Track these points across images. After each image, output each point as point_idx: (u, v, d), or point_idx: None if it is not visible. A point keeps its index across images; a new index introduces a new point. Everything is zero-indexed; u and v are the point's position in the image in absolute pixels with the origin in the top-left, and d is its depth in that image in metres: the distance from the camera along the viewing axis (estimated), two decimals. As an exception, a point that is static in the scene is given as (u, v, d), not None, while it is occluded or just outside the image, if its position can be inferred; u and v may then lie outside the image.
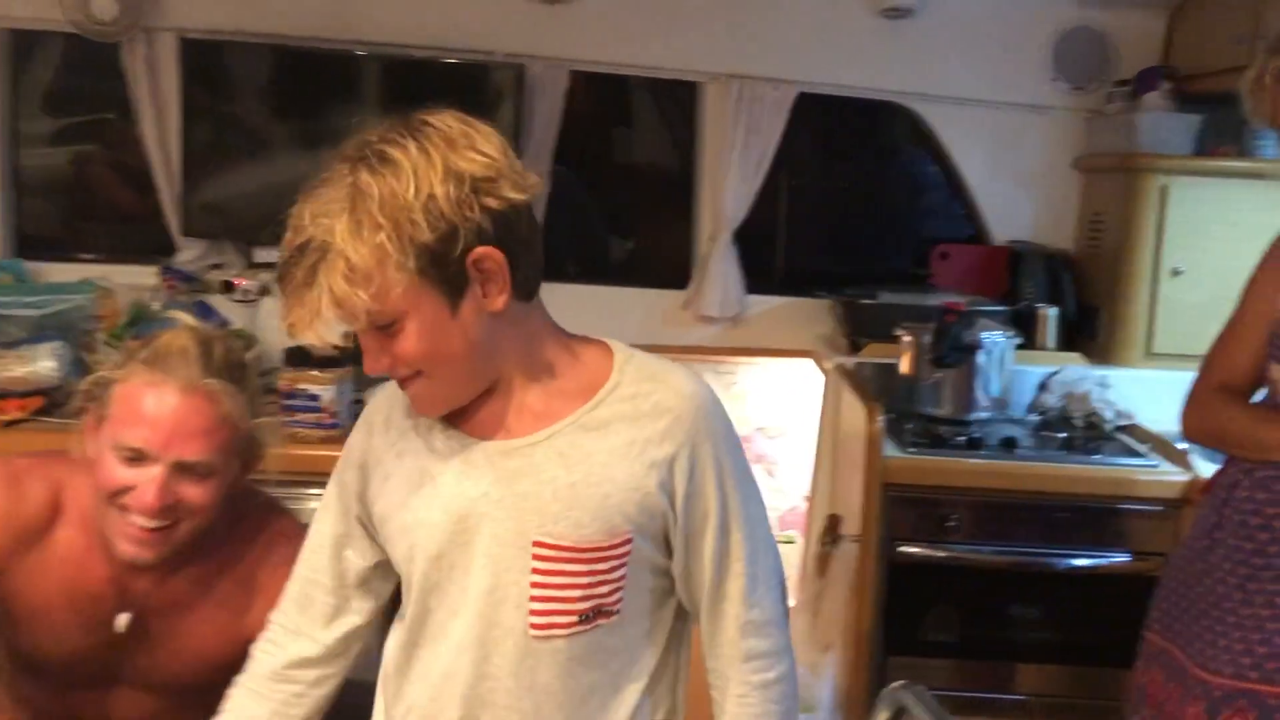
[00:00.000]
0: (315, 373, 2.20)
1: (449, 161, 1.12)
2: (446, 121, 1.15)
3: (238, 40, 2.77)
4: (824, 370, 2.88)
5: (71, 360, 2.44)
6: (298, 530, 1.51)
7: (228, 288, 2.79)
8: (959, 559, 2.36)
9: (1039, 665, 2.42)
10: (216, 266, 2.88)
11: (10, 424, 2.26)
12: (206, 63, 2.78)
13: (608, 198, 3.27)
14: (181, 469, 1.39)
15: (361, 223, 1.09)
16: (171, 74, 2.77)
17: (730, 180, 2.90)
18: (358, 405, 2.32)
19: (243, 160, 2.87)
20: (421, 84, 2.78)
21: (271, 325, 2.77)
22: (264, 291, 2.80)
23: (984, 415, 2.53)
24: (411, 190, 1.10)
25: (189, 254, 2.85)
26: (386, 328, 1.15)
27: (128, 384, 1.40)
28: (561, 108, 2.89)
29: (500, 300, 1.16)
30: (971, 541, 2.36)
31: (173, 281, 2.66)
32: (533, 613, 1.20)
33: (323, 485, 2.16)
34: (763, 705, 1.29)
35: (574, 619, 1.21)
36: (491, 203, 1.13)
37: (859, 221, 3.42)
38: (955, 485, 2.35)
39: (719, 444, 1.23)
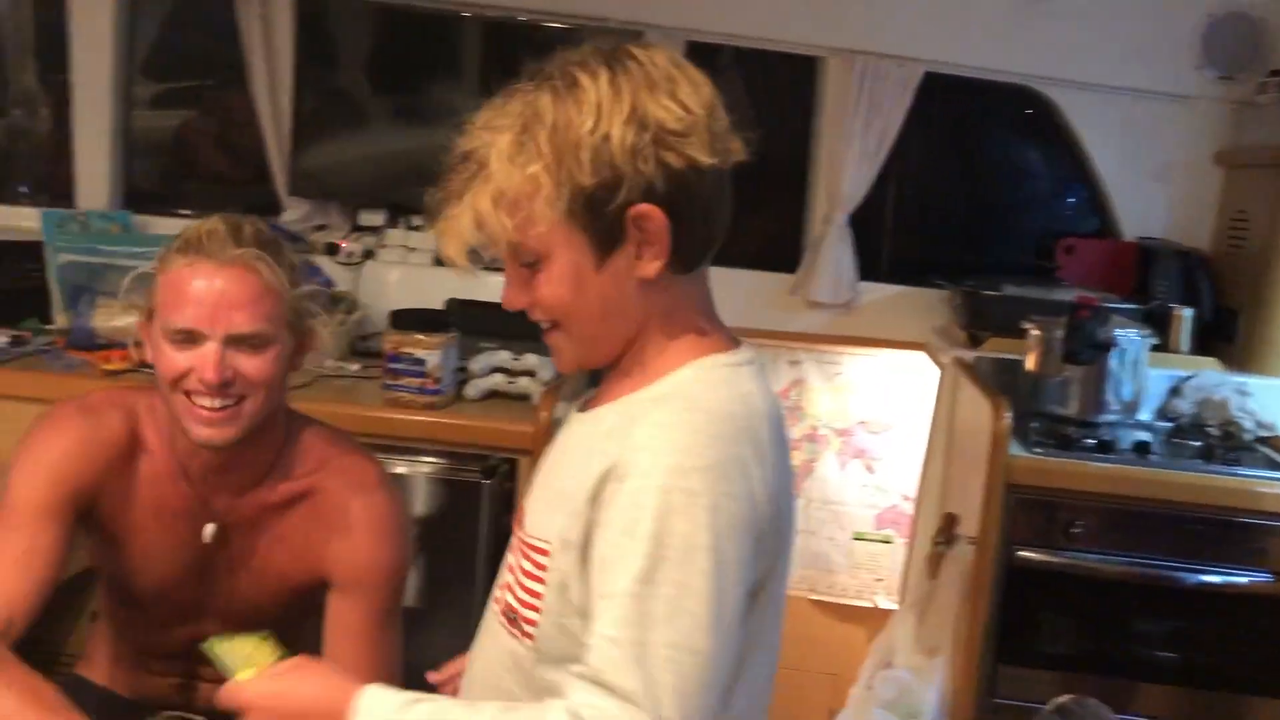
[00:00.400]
0: (420, 336, 2.14)
1: (639, 103, 1.02)
2: (655, 59, 1.05)
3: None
4: (940, 363, 2.76)
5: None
6: (384, 477, 1.57)
7: (332, 250, 2.77)
8: (1081, 567, 2.23)
9: (1163, 686, 2.28)
10: (321, 228, 2.85)
11: (114, 373, 2.25)
12: (316, 25, 2.76)
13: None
14: (234, 341, 1.40)
15: (523, 146, 1.02)
16: (286, 33, 2.74)
17: (848, 160, 2.78)
18: (462, 372, 2.26)
19: (346, 128, 2.87)
20: (522, 51, 2.71)
21: (374, 289, 2.74)
22: (368, 255, 2.78)
23: (1113, 418, 2.39)
24: (589, 125, 1.01)
25: (294, 214, 2.82)
26: (531, 264, 1.07)
27: (167, 273, 1.42)
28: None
29: (653, 266, 1.05)
30: (1096, 550, 2.23)
31: (277, 242, 2.62)
32: (500, 584, 1.17)
33: (424, 450, 2.14)
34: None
35: (501, 607, 1.14)
36: (671, 158, 1.02)
37: (974, 209, 3.28)
38: (1082, 489, 2.22)
39: (651, 492, 0.98)
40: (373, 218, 2.83)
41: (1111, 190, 2.90)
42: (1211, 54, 2.77)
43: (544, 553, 1.08)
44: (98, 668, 1.70)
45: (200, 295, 1.39)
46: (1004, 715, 2.28)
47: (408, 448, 2.17)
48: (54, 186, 3.05)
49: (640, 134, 1.01)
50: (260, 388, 1.44)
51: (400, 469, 2.16)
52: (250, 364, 1.42)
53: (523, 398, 2.27)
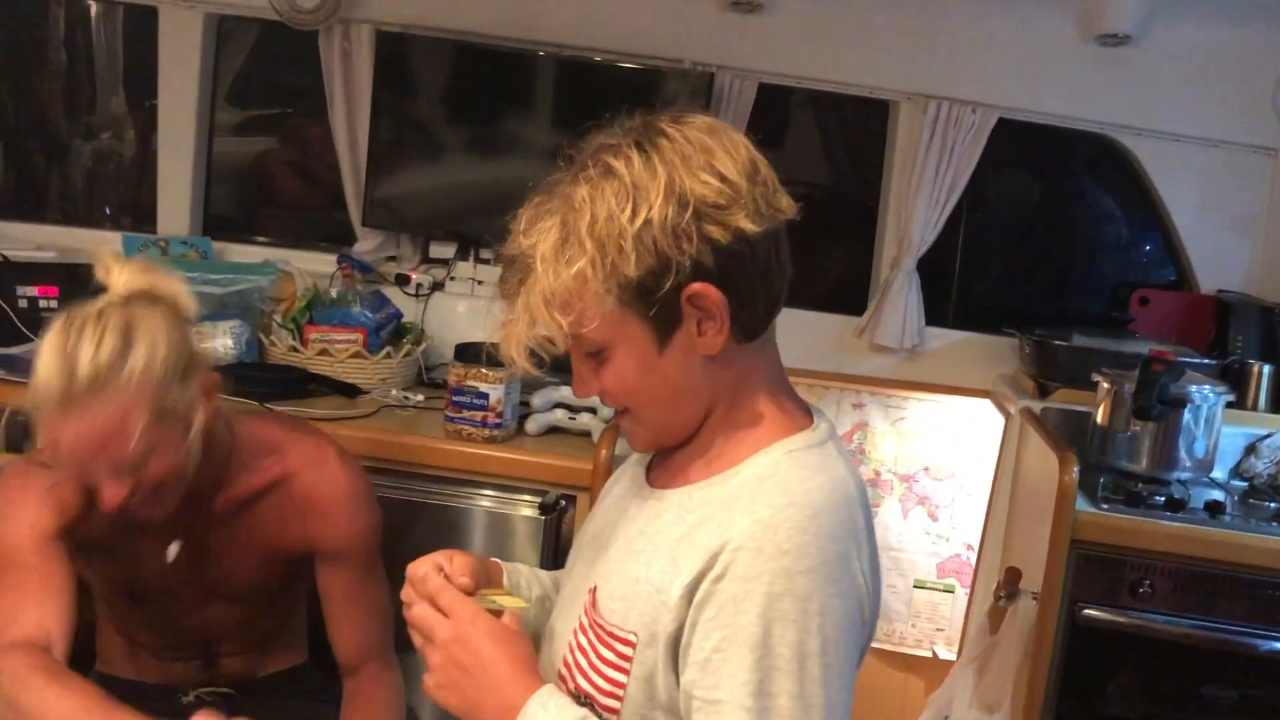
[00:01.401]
0: (484, 370, 2.16)
1: (675, 181, 1.00)
2: (687, 132, 1.03)
3: (428, 35, 2.79)
4: (1006, 412, 2.71)
5: (248, 340, 2.46)
6: (340, 452, 1.70)
7: (402, 280, 2.80)
8: (1149, 628, 2.17)
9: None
10: (392, 258, 2.90)
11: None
12: (395, 57, 2.81)
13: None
14: (118, 467, 1.39)
15: (567, 244, 1.01)
16: (364, 65, 2.80)
17: (918, 205, 2.76)
18: (524, 406, 2.28)
19: (421, 159, 2.90)
20: (596, 89, 2.75)
21: (442, 320, 2.77)
22: (436, 286, 2.81)
23: (1185, 475, 2.33)
24: (627, 213, 0.99)
25: (367, 244, 2.86)
26: (595, 354, 1.07)
27: (41, 428, 1.41)
28: (746, 122, 2.81)
29: (716, 342, 1.04)
30: (1164, 611, 2.17)
31: (349, 270, 2.67)
32: (564, 661, 1.13)
33: (483, 484, 2.16)
34: None
35: (568, 688, 1.11)
36: (716, 233, 1.01)
37: (1046, 257, 3.23)
38: (1151, 549, 2.16)
39: (758, 598, 0.97)
40: (443, 250, 2.86)
41: (1188, 241, 2.84)
42: (1294, 105, 2.71)
43: (629, 644, 1.06)
44: (117, 663, 1.80)
45: (68, 438, 1.37)
46: (1063, 776, 2.22)
47: (467, 480, 2.18)
48: (137, 211, 3.14)
49: (680, 213, 0.99)
50: (168, 477, 1.45)
51: (459, 502, 2.17)
52: (150, 470, 1.42)
53: (583, 434, 2.28)
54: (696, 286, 1.02)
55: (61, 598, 1.47)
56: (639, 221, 0.99)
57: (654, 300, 1.02)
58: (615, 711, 1.06)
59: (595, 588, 1.11)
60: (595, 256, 1.00)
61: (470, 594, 1.12)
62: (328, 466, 1.67)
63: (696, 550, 1.02)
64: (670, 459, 1.15)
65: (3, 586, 1.46)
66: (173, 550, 1.59)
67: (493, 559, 1.27)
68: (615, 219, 0.99)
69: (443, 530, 2.19)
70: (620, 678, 1.06)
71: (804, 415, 1.12)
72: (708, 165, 1.01)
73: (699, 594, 1.00)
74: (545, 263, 1.01)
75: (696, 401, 1.09)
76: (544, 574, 1.34)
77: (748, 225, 1.02)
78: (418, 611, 1.10)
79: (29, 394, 1.40)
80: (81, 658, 1.70)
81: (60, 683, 1.35)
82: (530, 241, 1.03)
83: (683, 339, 1.05)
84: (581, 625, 1.11)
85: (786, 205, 1.07)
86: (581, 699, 1.09)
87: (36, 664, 1.38)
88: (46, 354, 1.39)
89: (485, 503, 2.18)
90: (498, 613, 1.11)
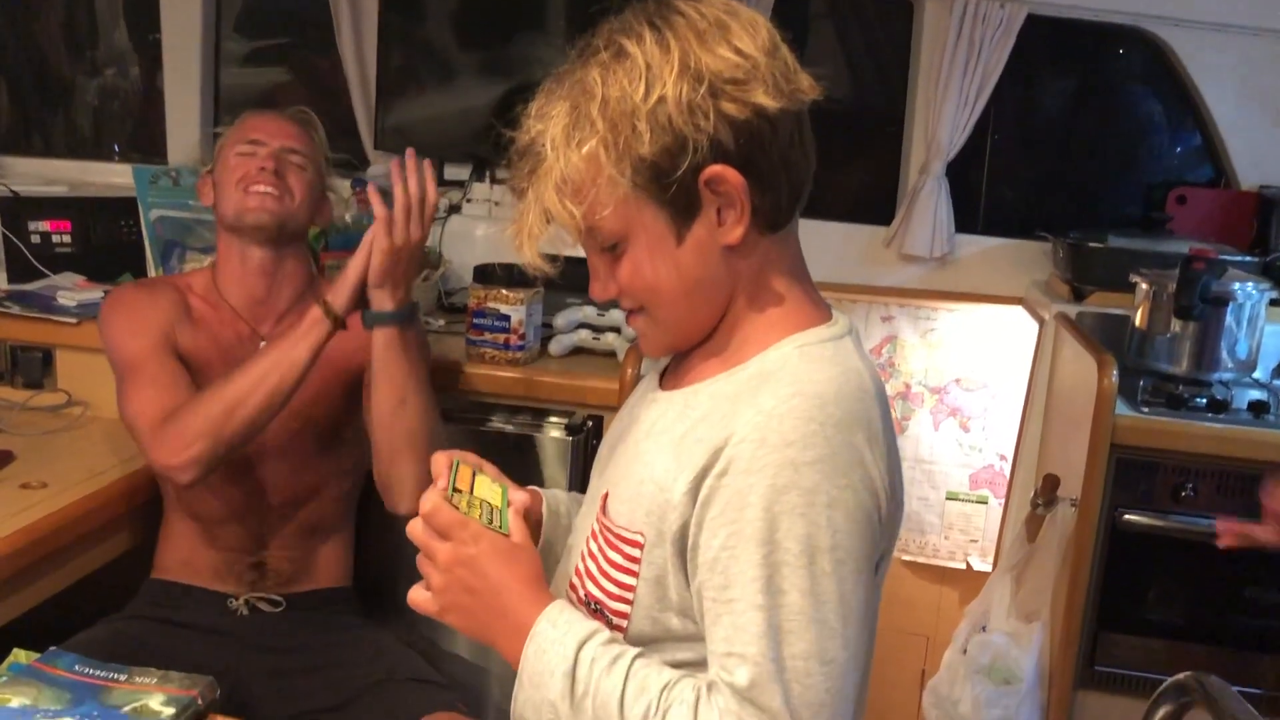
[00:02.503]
0: (505, 292, 2.12)
1: (689, 56, 0.95)
2: (701, 8, 0.98)
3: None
4: (1040, 319, 2.65)
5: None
6: None
7: (418, 204, 2.75)
8: (1191, 532, 2.12)
9: (1274, 656, 2.17)
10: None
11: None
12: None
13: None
14: (286, 152, 1.86)
15: (577, 126, 0.97)
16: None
17: (946, 108, 2.67)
18: (548, 328, 2.24)
19: (431, 84, 2.85)
20: (608, 6, 2.65)
21: (460, 244, 2.72)
22: (453, 209, 2.75)
23: (1227, 376, 2.27)
24: (640, 91, 0.94)
25: (381, 168, 2.81)
26: (611, 249, 1.02)
27: (236, 124, 1.91)
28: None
29: (737, 231, 0.99)
30: (1207, 514, 2.12)
31: (364, 195, 2.62)
32: (575, 570, 1.10)
33: (508, 407, 2.13)
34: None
35: (578, 596, 1.08)
36: (732, 109, 0.95)
37: (1079, 158, 3.13)
38: (1193, 451, 2.11)
39: (762, 490, 0.93)
40: (458, 172, 2.81)
41: (1228, 136, 2.74)
42: (1341, -13, 2.59)
43: (637, 545, 1.03)
44: (174, 569, 1.89)
45: (262, 121, 1.89)
46: (1104, 683, 2.20)
47: (492, 404, 2.15)
48: (147, 145, 3.10)
49: (695, 88, 0.94)
50: (298, 194, 1.86)
51: (486, 426, 2.14)
52: (294, 174, 1.86)
53: (608, 354, 2.24)
54: (715, 169, 0.97)
55: (186, 382, 1.76)
56: (653, 98, 0.94)
57: (670, 182, 0.97)
58: (626, 616, 1.04)
59: (606, 493, 1.08)
60: (607, 136, 0.95)
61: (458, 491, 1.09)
62: None
63: (700, 445, 0.99)
64: (682, 361, 1.11)
65: (140, 383, 1.75)
66: (263, 347, 1.79)
67: (531, 487, 1.23)
68: (628, 97, 0.95)
69: (469, 455, 2.16)
70: (630, 580, 1.03)
71: (821, 310, 1.07)
72: (724, 40, 0.96)
73: (703, 491, 0.97)
74: (555, 147, 0.97)
75: (715, 296, 1.04)
76: (583, 497, 1.29)
77: (767, 101, 0.96)
78: (414, 530, 1.06)
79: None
80: (142, 561, 1.89)
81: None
82: (540, 127, 0.99)
83: (702, 228, 1.00)
84: (593, 532, 1.09)
85: (808, 85, 1.01)
86: (592, 605, 1.06)
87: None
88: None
89: (511, 426, 2.15)
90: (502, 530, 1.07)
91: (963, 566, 2.98)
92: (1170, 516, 2.13)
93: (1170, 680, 1.12)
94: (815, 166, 1.05)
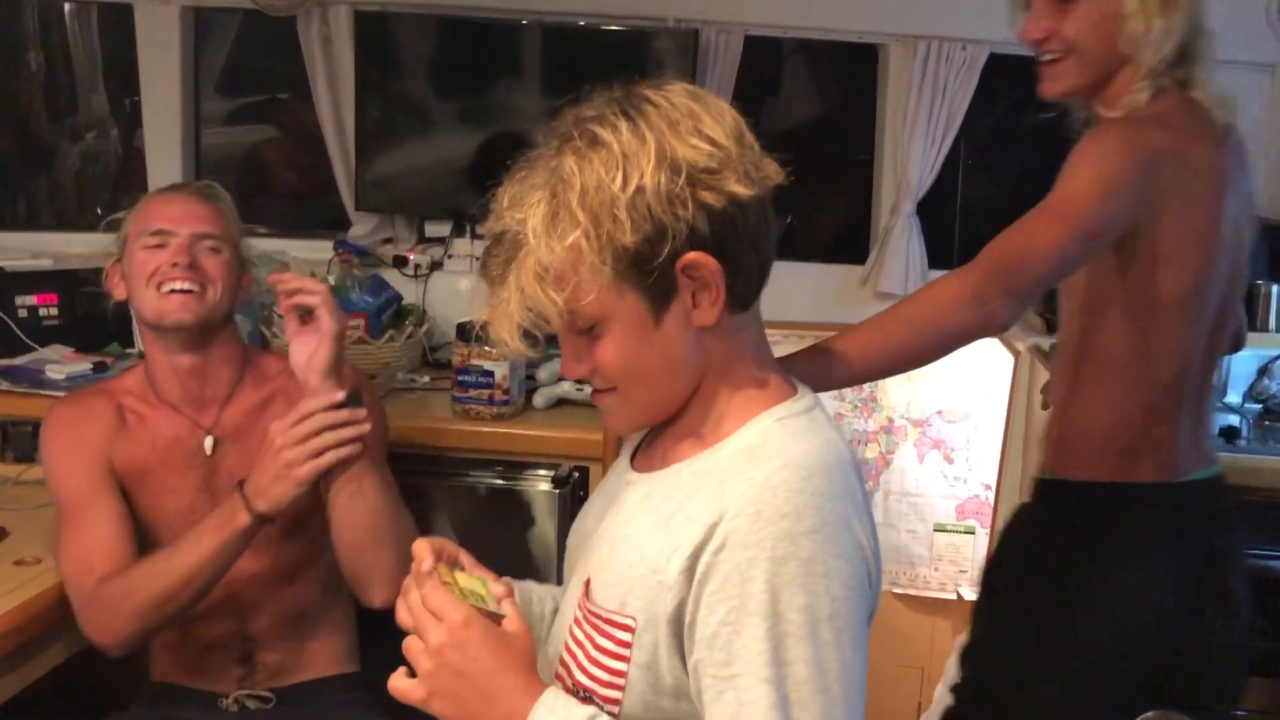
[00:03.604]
0: (488, 348, 2.15)
1: (665, 146, 0.97)
2: (671, 98, 1.00)
3: (407, 12, 2.76)
4: (1015, 351, 2.69)
5: (249, 333, 2.46)
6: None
7: (400, 262, 2.79)
8: (1169, 559, 2.16)
9: (1259, 678, 2.21)
10: (388, 241, 2.88)
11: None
12: (376, 37, 2.78)
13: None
14: (197, 239, 1.72)
15: (558, 216, 0.98)
16: (345, 47, 2.77)
17: (914, 147, 2.73)
18: (531, 382, 2.27)
19: (411, 137, 2.88)
20: (584, 54, 2.71)
21: (444, 300, 2.76)
22: (435, 266, 2.79)
23: (1199, 402, 2.31)
24: (618, 181, 0.96)
25: (362, 228, 2.85)
26: (586, 331, 1.03)
27: (136, 209, 1.77)
28: (735, 75, 2.78)
29: (712, 313, 1.02)
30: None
31: (346, 255, 2.66)
32: (561, 660, 1.10)
33: (495, 462, 2.16)
34: None
35: (566, 685, 1.08)
36: (710, 198, 0.98)
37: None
38: (1167, 478, 2.15)
39: (763, 564, 0.95)
40: (439, 229, 2.85)
41: (1190, 165, 2.80)
42: (1291, 19, 2.66)
43: (628, 629, 1.03)
44: (168, 669, 1.84)
45: (165, 207, 1.75)
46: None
47: (479, 460, 2.18)
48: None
49: (674, 179, 0.97)
50: (218, 282, 1.73)
51: (473, 481, 2.17)
52: (210, 261, 1.73)
53: (591, 404, 2.27)
54: (693, 256, 0.99)
55: (127, 524, 1.71)
56: (631, 189, 0.96)
57: (651, 269, 0.99)
58: (618, 702, 1.03)
59: (589, 579, 1.08)
60: (589, 227, 0.97)
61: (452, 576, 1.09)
62: None
63: (692, 523, 1.00)
64: (655, 442, 1.13)
65: (76, 532, 1.68)
66: (208, 443, 1.77)
67: (505, 578, 1.21)
68: (606, 188, 0.97)
69: (458, 512, 2.19)
70: (621, 666, 1.03)
71: (788, 385, 1.10)
72: (696, 130, 0.99)
73: (700, 568, 0.98)
74: (537, 237, 0.98)
75: (688, 376, 1.07)
76: (555, 589, 1.31)
77: (740, 189, 0.99)
78: (405, 614, 1.06)
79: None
80: (124, 665, 1.78)
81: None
82: (519, 216, 0.99)
83: (678, 310, 1.02)
84: (577, 619, 1.08)
85: (774, 171, 1.04)
86: (581, 693, 1.06)
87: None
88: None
89: (499, 480, 2.18)
90: (494, 615, 1.06)
91: (953, 597, 3.00)
92: (1149, 544, 2.16)
93: (1140, 718, 1.15)
94: (776, 245, 1.08)
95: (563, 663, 1.10)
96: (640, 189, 0.97)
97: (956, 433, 2.98)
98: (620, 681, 1.03)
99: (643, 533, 1.05)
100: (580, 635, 1.07)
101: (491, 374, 2.16)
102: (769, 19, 2.77)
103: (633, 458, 1.17)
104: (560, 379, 2.29)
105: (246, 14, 2.85)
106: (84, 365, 2.32)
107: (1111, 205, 1.49)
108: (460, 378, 2.18)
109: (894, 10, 2.74)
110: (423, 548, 1.11)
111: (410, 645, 1.04)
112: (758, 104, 3.18)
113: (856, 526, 1.01)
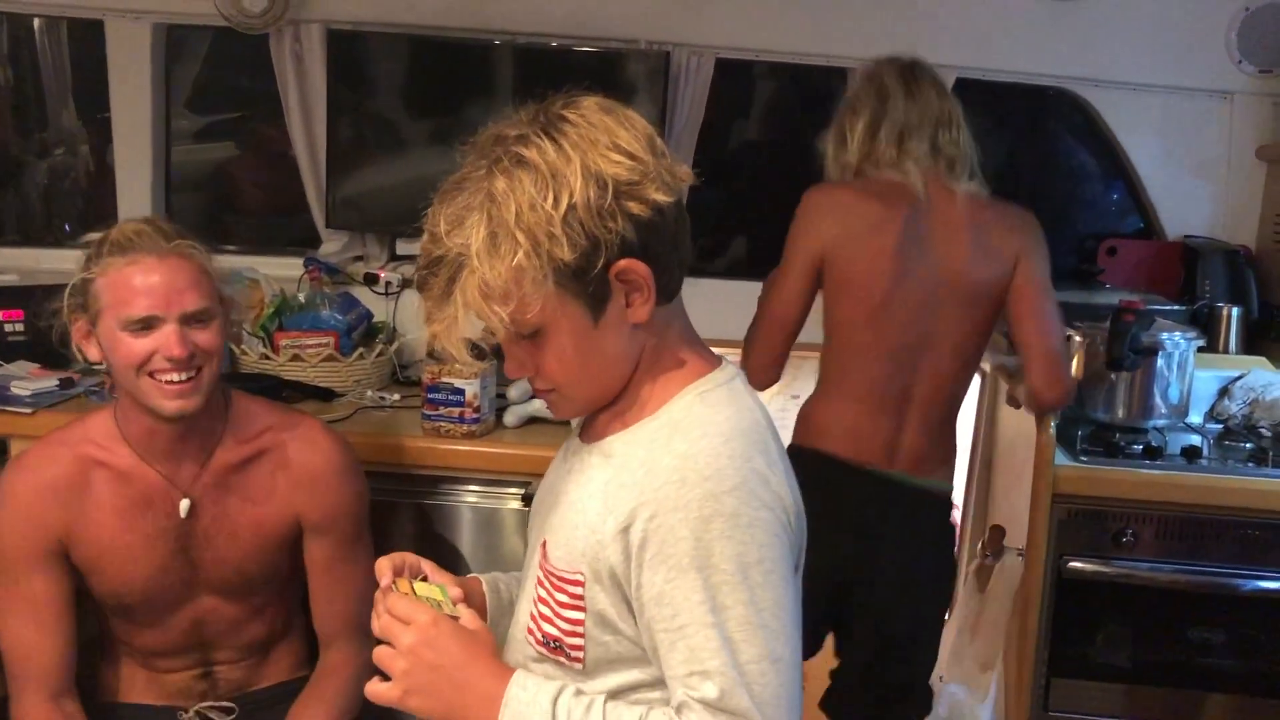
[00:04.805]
0: (459, 366, 2.15)
1: (589, 164, 1.05)
2: (587, 116, 1.08)
3: (380, 31, 2.76)
4: (982, 372, 2.72)
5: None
6: (327, 428, 1.82)
7: (370, 280, 2.79)
8: (1134, 577, 2.20)
9: (1221, 695, 2.24)
10: (359, 258, 2.88)
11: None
12: (349, 56, 2.78)
13: (731, 190, 3.15)
14: (187, 320, 1.59)
15: (498, 238, 1.04)
16: (317, 66, 2.77)
17: (882, 171, 2.76)
18: (501, 399, 2.27)
19: (382, 155, 2.88)
20: (556, 75, 2.71)
21: (412, 317, 2.75)
22: (406, 284, 2.79)
23: (1161, 422, 2.35)
24: (549, 200, 1.04)
25: (333, 246, 2.85)
26: (531, 336, 1.12)
27: (108, 274, 1.58)
28: (706, 98, 2.80)
29: (644, 311, 1.12)
30: (1148, 558, 2.19)
31: (316, 273, 2.66)
32: (530, 615, 1.20)
33: (465, 479, 2.16)
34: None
35: (537, 639, 1.18)
36: (635, 208, 1.07)
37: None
38: (1131, 498, 2.19)
39: (691, 523, 1.05)
40: (410, 247, 2.85)
41: (1152, 189, 2.86)
42: (1248, 48, 2.72)
43: (578, 583, 1.13)
44: (117, 686, 1.82)
45: (151, 286, 1.57)
46: (1059, 729, 2.26)
47: (450, 477, 2.18)
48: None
49: (602, 195, 1.05)
50: (213, 356, 1.63)
51: (443, 500, 2.17)
52: (203, 337, 1.61)
53: (562, 422, 2.27)
54: (624, 263, 1.08)
55: (48, 624, 1.66)
56: (564, 207, 1.04)
57: (589, 280, 1.07)
58: (581, 648, 1.15)
59: (545, 542, 1.19)
60: (529, 248, 1.04)
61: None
62: (315, 438, 1.77)
63: (625, 491, 1.10)
64: (597, 417, 1.22)
65: (10, 601, 1.66)
66: (184, 506, 1.69)
67: (472, 575, 1.34)
68: (540, 207, 1.04)
69: (428, 530, 2.19)
70: (578, 615, 1.14)
71: (709, 361, 1.20)
72: (614, 145, 1.07)
73: (635, 534, 1.08)
74: (480, 259, 1.04)
75: (624, 366, 1.16)
76: (520, 574, 1.39)
77: (660, 197, 1.08)
78: (380, 624, 1.15)
79: (108, 242, 1.60)
80: (82, 687, 1.76)
81: None
82: (461, 240, 1.05)
83: (614, 311, 1.11)
84: (539, 579, 1.18)
85: (685, 174, 1.13)
86: (552, 643, 1.16)
87: None
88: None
89: (470, 498, 2.18)
90: (452, 618, 1.15)
91: (920, 616, 3.02)
92: (1113, 562, 2.20)
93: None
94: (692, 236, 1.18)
95: (532, 618, 1.19)
96: (572, 206, 1.04)
97: (924, 452, 3.01)
98: (580, 630, 1.14)
99: (585, 499, 1.15)
100: (543, 593, 1.18)
101: (462, 392, 2.16)
102: (740, 43, 2.80)
103: (581, 430, 1.26)
104: (531, 397, 2.29)
105: (218, 31, 2.84)
106: (50, 381, 2.30)
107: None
108: (430, 395, 2.18)
109: (863, 36, 2.77)
110: (383, 564, 1.21)
111: (381, 653, 1.13)
112: (728, 125, 3.22)
113: (774, 481, 1.11)
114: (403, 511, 2.18)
